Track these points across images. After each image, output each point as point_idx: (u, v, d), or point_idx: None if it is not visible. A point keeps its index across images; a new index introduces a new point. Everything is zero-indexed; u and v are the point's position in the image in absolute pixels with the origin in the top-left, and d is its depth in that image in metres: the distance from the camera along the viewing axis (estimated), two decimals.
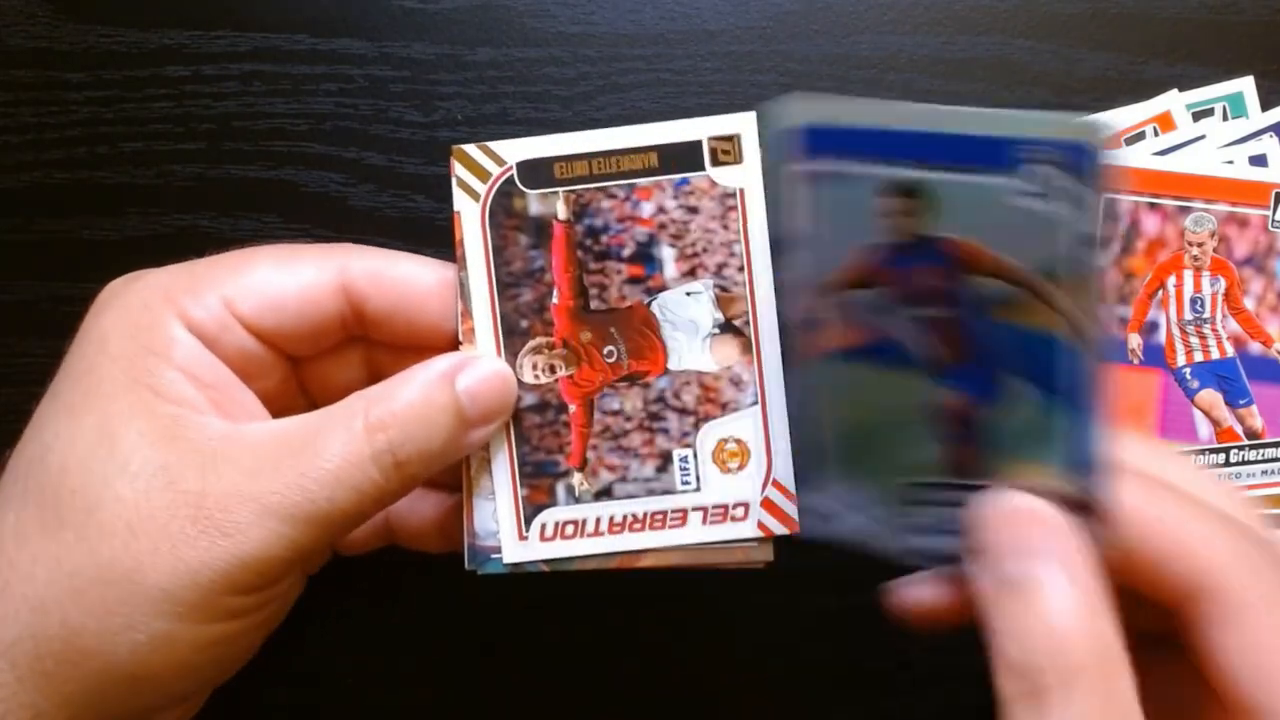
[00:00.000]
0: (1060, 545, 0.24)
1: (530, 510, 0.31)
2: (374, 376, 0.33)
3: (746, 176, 0.31)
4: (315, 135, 0.37)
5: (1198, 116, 0.37)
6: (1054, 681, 0.22)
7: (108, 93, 0.37)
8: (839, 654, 0.38)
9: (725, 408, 0.31)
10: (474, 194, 0.31)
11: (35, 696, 0.26)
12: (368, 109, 0.37)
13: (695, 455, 0.31)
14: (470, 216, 0.31)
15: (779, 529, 0.31)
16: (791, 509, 0.31)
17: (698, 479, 0.31)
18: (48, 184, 0.37)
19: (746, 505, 0.31)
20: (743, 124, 0.31)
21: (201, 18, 0.37)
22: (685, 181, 0.31)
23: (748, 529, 0.31)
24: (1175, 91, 0.37)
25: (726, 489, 0.31)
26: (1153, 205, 0.37)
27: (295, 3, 0.37)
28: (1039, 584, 0.23)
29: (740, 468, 0.31)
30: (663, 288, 0.31)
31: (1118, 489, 0.25)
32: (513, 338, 0.31)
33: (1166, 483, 0.25)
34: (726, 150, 0.31)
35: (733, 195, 0.31)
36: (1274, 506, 0.37)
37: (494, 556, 0.31)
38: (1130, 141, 0.37)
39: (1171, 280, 0.37)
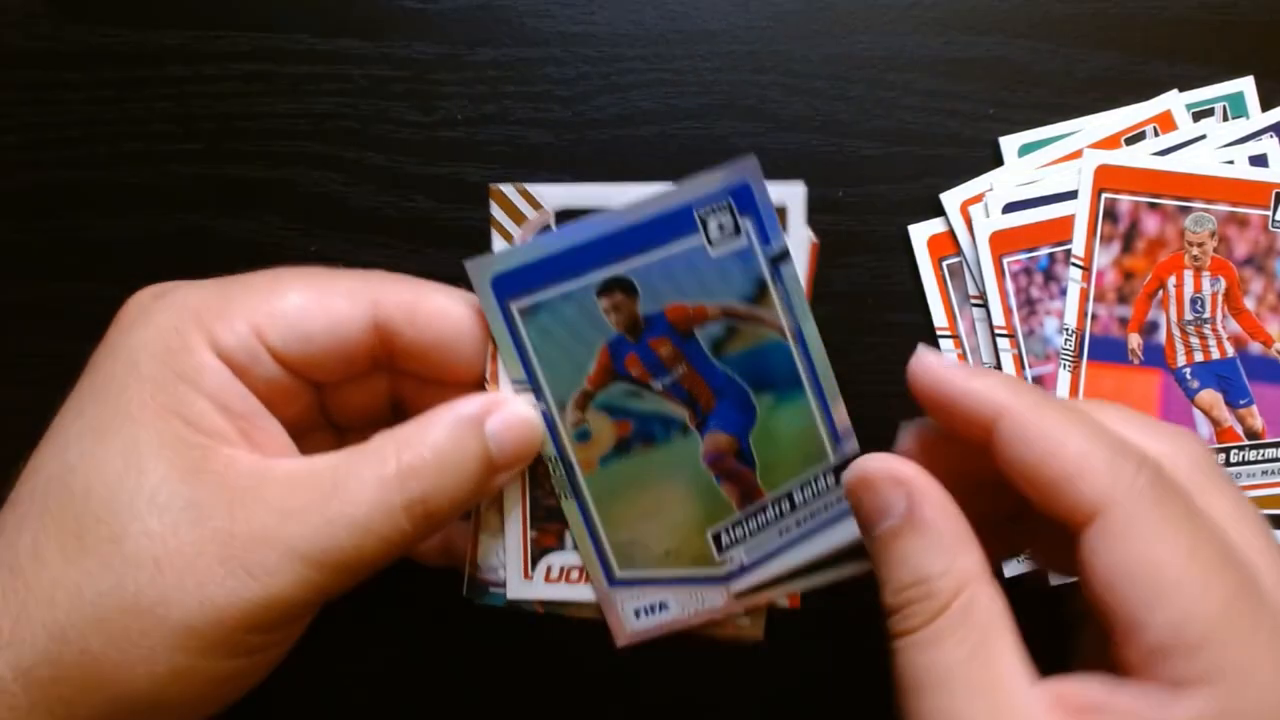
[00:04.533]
0: (913, 499, 0.27)
1: (537, 552, 0.31)
2: (398, 401, 0.32)
3: (791, 248, 0.30)
4: (315, 135, 0.37)
5: (1198, 116, 0.37)
6: (921, 620, 0.26)
7: (108, 93, 0.37)
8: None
9: None
10: (508, 235, 0.30)
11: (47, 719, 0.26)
12: (368, 109, 0.37)
13: None
14: None
15: (781, 601, 0.32)
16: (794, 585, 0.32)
17: None
18: (48, 184, 0.37)
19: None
20: (790, 196, 0.30)
21: (201, 18, 0.37)
22: None
23: (746, 600, 0.32)
24: (1175, 91, 0.37)
25: None
26: (1153, 205, 0.37)
27: (295, 3, 0.37)
28: (896, 538, 0.27)
29: None
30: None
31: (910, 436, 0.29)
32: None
33: (1058, 412, 0.27)
34: None
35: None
36: (1274, 507, 0.37)
37: (493, 590, 0.31)
38: (1130, 141, 0.37)
39: (1171, 280, 0.37)
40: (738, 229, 0.29)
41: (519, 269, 0.30)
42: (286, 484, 0.27)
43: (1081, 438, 0.26)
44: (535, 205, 0.30)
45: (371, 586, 0.36)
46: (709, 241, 0.29)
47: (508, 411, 0.29)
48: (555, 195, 0.30)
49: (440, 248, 0.37)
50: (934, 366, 0.28)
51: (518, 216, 0.30)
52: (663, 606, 0.31)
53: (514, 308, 0.30)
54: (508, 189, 0.30)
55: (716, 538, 0.31)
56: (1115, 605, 0.25)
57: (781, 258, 0.30)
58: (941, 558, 0.27)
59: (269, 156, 0.37)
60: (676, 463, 0.31)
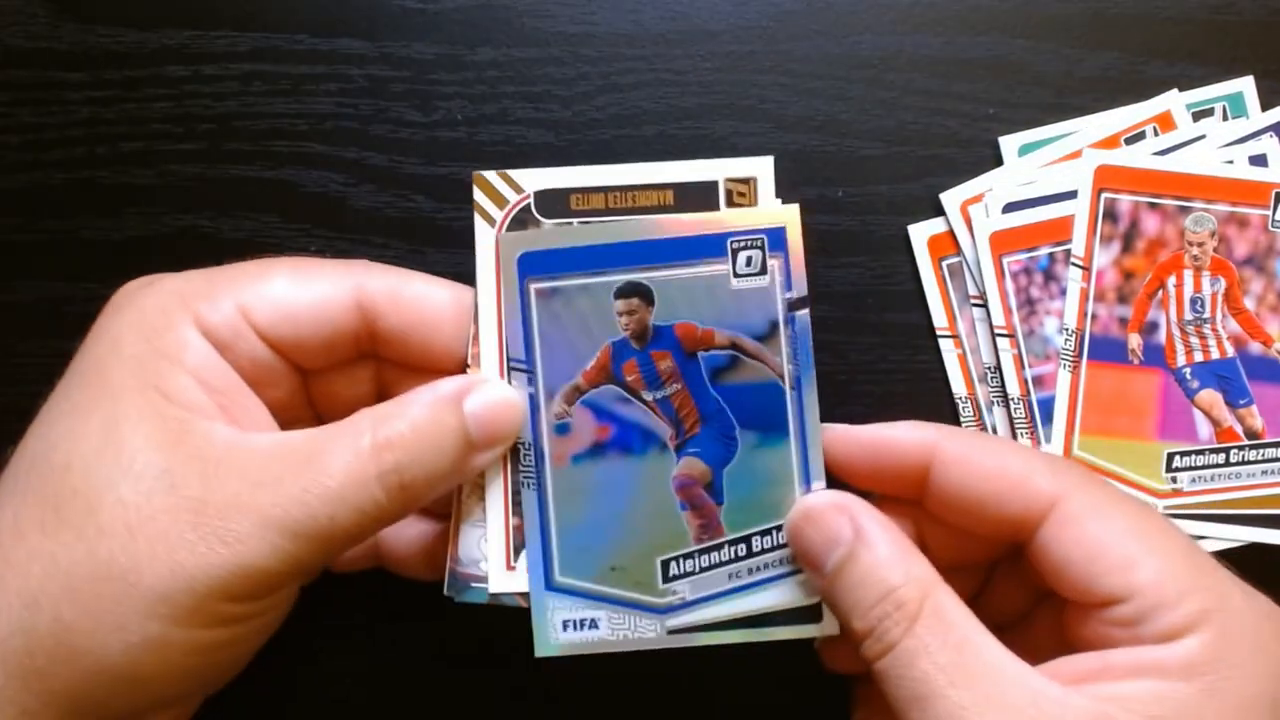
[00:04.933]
0: (857, 522, 0.29)
1: (520, 541, 0.31)
2: (382, 394, 0.33)
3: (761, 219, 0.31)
4: (315, 135, 0.37)
5: (1198, 116, 0.37)
6: (899, 631, 0.26)
7: (108, 93, 0.37)
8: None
9: None
10: (490, 219, 0.31)
11: (23, 694, 0.26)
12: (368, 109, 0.37)
13: None
14: (485, 242, 0.31)
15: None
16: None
17: None
18: (48, 184, 0.37)
19: None
20: (759, 167, 0.31)
21: (201, 18, 0.37)
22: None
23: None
24: (1175, 91, 0.37)
25: None
26: (1153, 205, 0.37)
27: (295, 3, 0.37)
28: (851, 562, 0.28)
29: None
30: None
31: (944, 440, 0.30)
32: None
33: (986, 439, 0.31)
34: (742, 192, 0.31)
35: None
36: (1274, 507, 0.37)
37: (474, 585, 0.31)
38: (1130, 141, 0.37)
39: (1171, 280, 0.37)
40: (764, 268, 0.30)
41: (548, 251, 0.30)
42: (263, 455, 0.27)
43: (1015, 451, 0.30)
44: (517, 189, 0.31)
45: (364, 591, 0.36)
46: (734, 273, 0.30)
47: (487, 391, 0.30)
48: (535, 178, 0.31)
49: (440, 248, 0.37)
50: (851, 431, 0.30)
51: (500, 200, 0.31)
52: (592, 624, 0.31)
53: (532, 287, 0.30)
54: (490, 175, 0.31)
55: (665, 565, 0.31)
56: (1090, 580, 0.27)
57: (799, 304, 0.30)
58: (899, 567, 0.28)
59: (269, 156, 0.37)
60: (646, 479, 0.31)
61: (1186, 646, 0.26)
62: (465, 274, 0.37)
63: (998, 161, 0.38)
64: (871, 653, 0.27)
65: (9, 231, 0.37)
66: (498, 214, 0.31)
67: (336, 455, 0.27)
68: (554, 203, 0.31)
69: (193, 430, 0.27)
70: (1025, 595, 0.32)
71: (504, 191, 0.31)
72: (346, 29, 0.37)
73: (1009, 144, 0.37)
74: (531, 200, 0.31)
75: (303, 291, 0.30)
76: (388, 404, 0.29)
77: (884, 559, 0.28)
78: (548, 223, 0.31)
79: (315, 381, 0.32)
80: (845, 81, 0.38)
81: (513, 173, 0.31)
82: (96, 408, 0.27)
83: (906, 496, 0.30)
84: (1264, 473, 0.37)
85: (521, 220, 0.31)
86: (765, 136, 0.37)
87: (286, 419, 0.31)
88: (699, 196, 0.31)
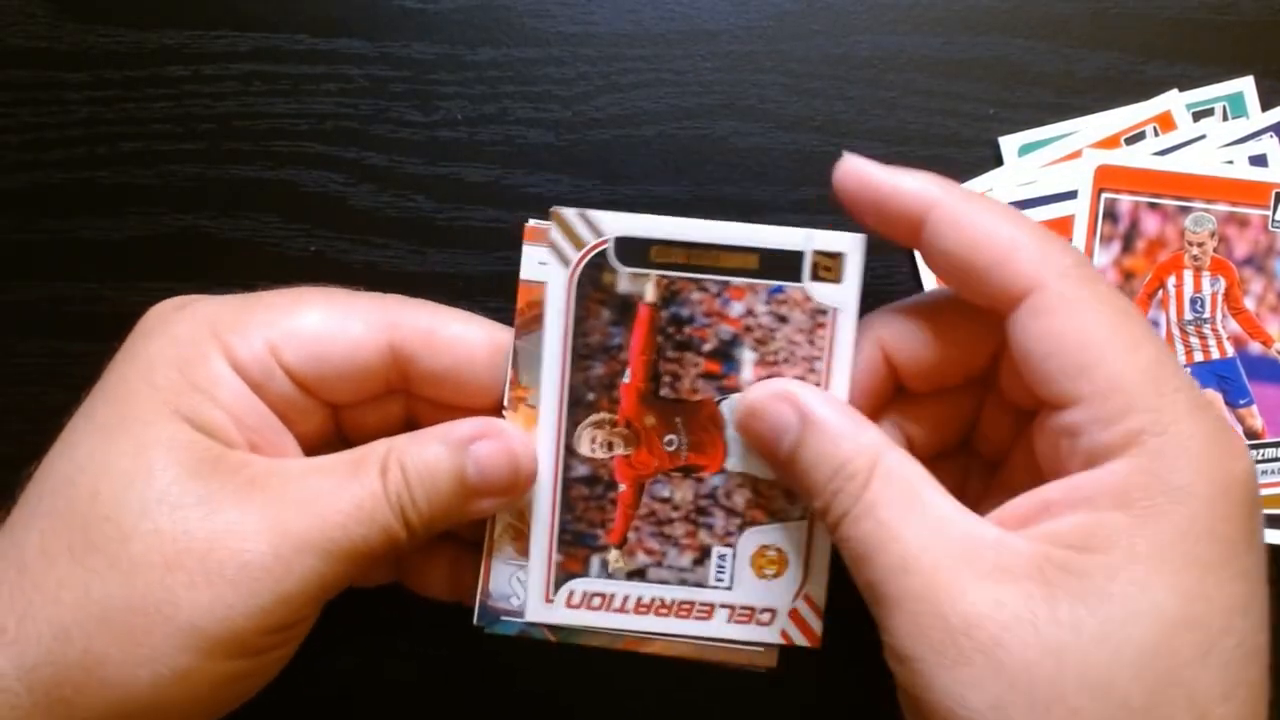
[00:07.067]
0: (801, 406, 0.28)
1: (561, 576, 0.31)
2: (411, 423, 0.32)
3: (842, 296, 0.30)
4: (315, 135, 0.37)
5: (1198, 116, 0.37)
6: (851, 500, 0.27)
7: (108, 93, 0.37)
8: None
9: (773, 516, 0.31)
10: (565, 259, 0.30)
11: None
12: (368, 109, 0.37)
13: (734, 555, 0.31)
14: (557, 282, 0.30)
15: (800, 640, 0.31)
16: (816, 624, 0.31)
17: (731, 578, 0.31)
18: (48, 184, 0.37)
19: (774, 612, 0.31)
20: (850, 244, 0.30)
21: (201, 18, 0.37)
22: (780, 289, 0.30)
23: (770, 634, 0.31)
24: (1175, 91, 0.37)
25: (758, 593, 0.31)
26: (1153, 205, 0.37)
27: (295, 3, 0.37)
28: (801, 447, 0.28)
29: (775, 575, 0.31)
30: (736, 389, 0.30)
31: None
32: (577, 408, 0.30)
33: (987, 203, 0.28)
34: (829, 267, 0.30)
35: (825, 312, 0.30)
36: (1274, 507, 0.37)
37: (504, 619, 0.31)
38: (1130, 141, 0.37)
39: (1171, 280, 0.37)
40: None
41: None
42: (296, 478, 0.27)
43: (1012, 225, 0.27)
44: (596, 231, 0.30)
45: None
46: None
47: (499, 440, 0.29)
48: (617, 222, 0.30)
49: (440, 248, 0.37)
50: (863, 167, 0.29)
51: (578, 242, 0.30)
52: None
53: None
54: (569, 213, 0.30)
55: None
56: (1045, 379, 0.26)
57: None
58: (846, 442, 0.27)
59: (269, 156, 0.37)
60: None
61: (1113, 471, 0.24)
62: (464, 273, 0.37)
63: (998, 161, 0.38)
64: (828, 520, 0.27)
65: (9, 231, 0.37)
66: (573, 254, 0.30)
67: (362, 478, 0.28)
68: (634, 251, 0.30)
69: (226, 459, 0.27)
70: (1010, 420, 0.31)
71: (582, 233, 0.30)
72: (346, 29, 0.37)
73: (1009, 144, 0.37)
74: (611, 245, 0.30)
75: (335, 331, 0.30)
76: (406, 436, 0.29)
77: (833, 436, 0.28)
78: (624, 270, 0.30)
79: (346, 413, 0.32)
80: (845, 81, 0.38)
81: (593, 214, 0.30)
82: (126, 433, 0.27)
83: (912, 245, 0.29)
84: (1264, 473, 0.37)
85: (597, 264, 0.30)
86: (765, 136, 0.37)
87: (316, 449, 0.31)
88: (784, 265, 0.30)
